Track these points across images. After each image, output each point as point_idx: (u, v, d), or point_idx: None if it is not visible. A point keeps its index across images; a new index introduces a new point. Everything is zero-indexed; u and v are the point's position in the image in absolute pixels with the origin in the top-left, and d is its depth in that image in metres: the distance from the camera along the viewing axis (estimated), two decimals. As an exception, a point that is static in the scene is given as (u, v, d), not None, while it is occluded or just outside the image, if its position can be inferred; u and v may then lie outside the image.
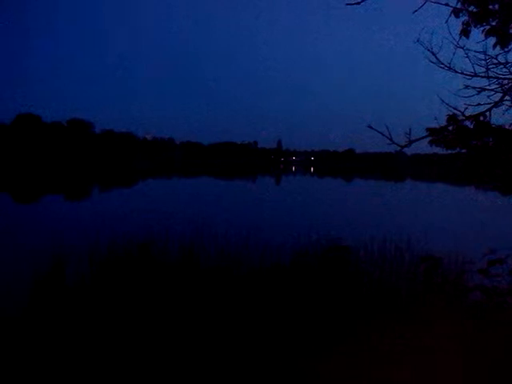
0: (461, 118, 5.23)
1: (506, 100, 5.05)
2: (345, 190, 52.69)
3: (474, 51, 4.91)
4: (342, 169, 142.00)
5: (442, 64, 5.07)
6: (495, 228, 16.93)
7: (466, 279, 8.48)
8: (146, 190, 41.33)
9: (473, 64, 4.95)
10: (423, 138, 5.38)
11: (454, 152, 5.75)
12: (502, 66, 4.99)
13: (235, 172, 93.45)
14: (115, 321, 6.45)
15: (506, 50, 4.75)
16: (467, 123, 5.29)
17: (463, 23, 4.81)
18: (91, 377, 4.97)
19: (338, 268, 8.58)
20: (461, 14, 4.80)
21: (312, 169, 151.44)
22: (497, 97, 5.06)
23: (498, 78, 5.01)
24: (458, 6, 4.80)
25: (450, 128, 5.42)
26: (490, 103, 5.05)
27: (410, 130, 5.03)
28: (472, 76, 4.98)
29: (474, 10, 4.76)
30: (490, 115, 5.10)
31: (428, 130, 5.51)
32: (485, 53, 4.88)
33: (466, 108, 5.03)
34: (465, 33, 4.81)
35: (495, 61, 4.93)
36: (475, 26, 4.77)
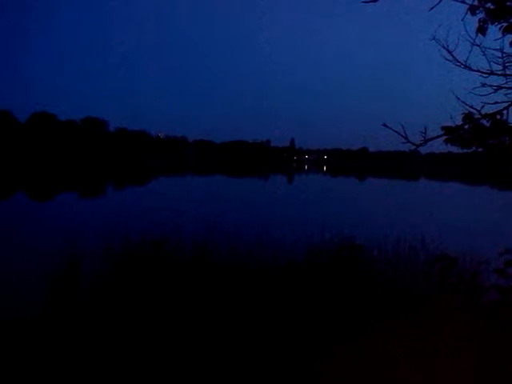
0: (477, 116, 5.17)
1: (524, 98, 4.98)
2: (358, 188, 52.43)
3: (491, 49, 4.85)
4: (356, 167, 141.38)
5: (459, 62, 5.01)
6: (511, 227, 16.73)
7: (482, 279, 8.40)
8: (159, 188, 41.59)
9: (489, 62, 4.88)
10: (439, 136, 5.32)
11: (469, 151, 5.68)
12: (519, 64, 4.92)
13: (248, 170, 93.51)
14: (130, 318, 6.52)
15: (524, 47, 4.68)
16: (483, 122, 5.23)
17: (480, 20, 4.75)
18: (107, 374, 5.03)
19: (351, 267, 8.54)
20: (477, 12, 4.74)
21: (325, 167, 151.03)
22: (514, 95, 5.00)
23: (515, 76, 4.94)
24: (475, 3, 4.74)
25: (466, 127, 5.36)
26: (507, 102, 4.98)
27: (425, 128, 4.98)
28: (489, 74, 4.92)
29: (491, 7, 4.70)
30: (508, 114, 5.03)
31: (443, 128, 5.45)
32: (502, 50, 4.81)
33: (483, 106, 4.96)
34: (481, 30, 4.75)
35: (513, 58, 4.87)
36: (492, 24, 4.71)
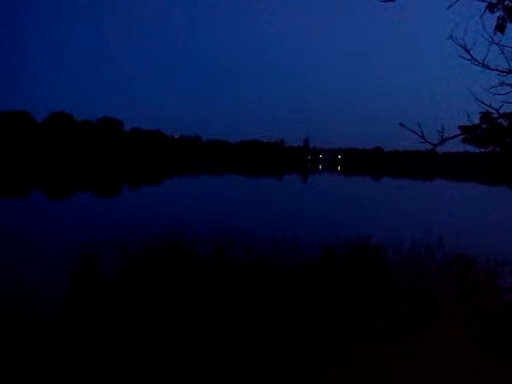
0: (495, 115, 5.12)
1: (544, 97, 4.92)
2: (373, 188, 52.09)
3: (510, 47, 4.79)
4: (370, 167, 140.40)
5: (476, 61, 4.97)
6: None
7: (500, 280, 8.31)
8: (174, 188, 41.79)
9: (508, 61, 4.84)
10: (456, 136, 5.29)
11: (486, 151, 5.64)
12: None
13: (262, 170, 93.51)
14: (146, 316, 6.58)
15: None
16: (501, 121, 5.18)
17: (498, 18, 4.71)
18: (124, 367, 5.09)
19: (366, 267, 8.51)
20: (496, 9, 4.70)
21: (339, 167, 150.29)
22: (534, 94, 4.94)
23: (535, 75, 4.88)
24: (494, 1, 4.70)
25: (484, 126, 5.31)
26: (527, 101, 4.93)
27: (442, 127, 4.96)
28: (507, 73, 4.87)
29: (510, 4, 4.65)
30: (527, 113, 4.98)
31: (460, 128, 5.42)
32: (521, 49, 4.76)
33: (502, 105, 4.92)
34: (500, 28, 4.70)
35: (532, 57, 4.81)
36: (511, 22, 4.66)
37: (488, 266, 9.04)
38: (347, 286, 7.85)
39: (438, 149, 5.60)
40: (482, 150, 5.64)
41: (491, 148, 5.58)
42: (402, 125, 4.94)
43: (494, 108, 4.92)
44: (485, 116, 5.24)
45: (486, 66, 5.00)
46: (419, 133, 4.89)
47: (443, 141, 5.00)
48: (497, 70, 4.99)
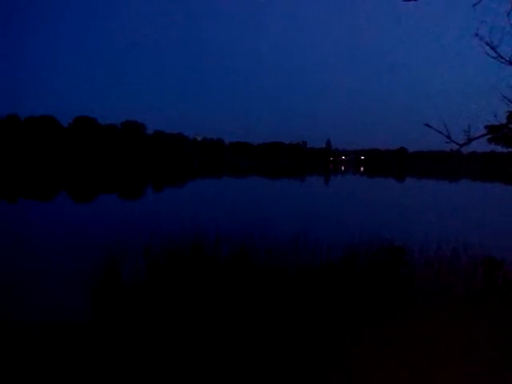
0: (523, 114, 5.00)
1: None
2: (396, 190, 51.43)
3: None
4: (394, 168, 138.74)
5: (503, 59, 4.87)
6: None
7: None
8: (197, 190, 42.07)
9: (537, 58, 4.72)
10: (483, 135, 5.18)
11: (513, 150, 5.50)
12: None
13: (284, 172, 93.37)
14: (170, 317, 6.64)
15: None
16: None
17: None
18: (148, 367, 5.14)
19: (391, 269, 8.40)
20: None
21: (362, 168, 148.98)
22: None
23: None
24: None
25: (511, 125, 5.19)
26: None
27: (469, 127, 4.85)
28: (536, 70, 4.75)
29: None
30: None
31: (487, 127, 5.31)
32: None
33: (530, 104, 4.80)
34: (528, 25, 4.60)
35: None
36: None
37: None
38: (371, 288, 7.76)
39: (464, 148, 5.50)
40: (510, 149, 5.51)
41: (519, 148, 5.44)
42: (427, 125, 4.86)
43: (522, 107, 4.80)
44: (512, 115, 5.12)
45: (513, 64, 4.89)
46: (445, 133, 4.80)
47: (470, 141, 4.90)
48: (525, 67, 4.86)
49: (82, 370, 5.11)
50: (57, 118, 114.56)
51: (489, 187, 56.86)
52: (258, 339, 5.89)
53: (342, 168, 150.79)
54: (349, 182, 65.89)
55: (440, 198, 37.18)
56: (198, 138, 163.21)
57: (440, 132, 4.78)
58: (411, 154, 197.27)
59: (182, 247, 9.65)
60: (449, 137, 4.83)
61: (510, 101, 4.91)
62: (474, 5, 4.55)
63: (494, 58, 5.00)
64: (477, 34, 4.97)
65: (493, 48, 4.96)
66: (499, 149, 5.67)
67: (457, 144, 4.92)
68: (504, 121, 5.28)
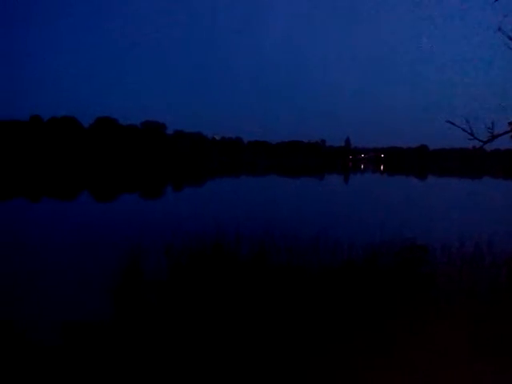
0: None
1: None
2: (418, 188, 50.78)
3: None
4: (415, 166, 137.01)
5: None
6: None
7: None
8: (216, 189, 42.25)
9: None
10: (506, 132, 5.09)
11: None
12: None
13: (303, 170, 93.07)
14: (191, 315, 6.69)
15: None
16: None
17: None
18: (169, 365, 5.20)
19: (413, 268, 8.32)
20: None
21: (382, 166, 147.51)
22: None
23: None
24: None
25: (537, 121, 5.09)
26: None
27: (492, 123, 4.78)
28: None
29: None
30: None
31: (511, 124, 5.21)
32: None
33: (556, 99, 4.69)
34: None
35: None
36: None
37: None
38: (393, 287, 7.70)
39: (487, 146, 5.41)
40: (535, 146, 5.40)
41: (545, 144, 5.33)
42: (449, 122, 4.79)
43: (547, 103, 4.70)
44: (538, 111, 5.01)
45: (538, 59, 4.79)
46: (468, 130, 4.73)
47: (493, 138, 4.82)
48: (550, 62, 4.76)
49: (103, 369, 5.19)
50: (78, 119, 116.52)
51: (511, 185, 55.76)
52: (280, 338, 5.90)
53: (362, 166, 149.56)
54: (369, 181, 65.33)
55: (463, 195, 36.60)
56: (217, 138, 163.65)
57: (463, 129, 4.72)
58: (432, 152, 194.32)
59: (203, 246, 9.72)
60: (472, 134, 4.76)
61: (535, 96, 4.81)
62: (496, 0, 4.47)
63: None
64: (499, 29, 4.89)
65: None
66: (524, 146, 5.57)
67: (480, 141, 4.84)
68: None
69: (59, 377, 4.98)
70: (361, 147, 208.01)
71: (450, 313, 6.74)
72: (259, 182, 56.35)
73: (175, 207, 24.23)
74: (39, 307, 7.51)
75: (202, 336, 5.96)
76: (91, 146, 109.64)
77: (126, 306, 7.50)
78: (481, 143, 4.91)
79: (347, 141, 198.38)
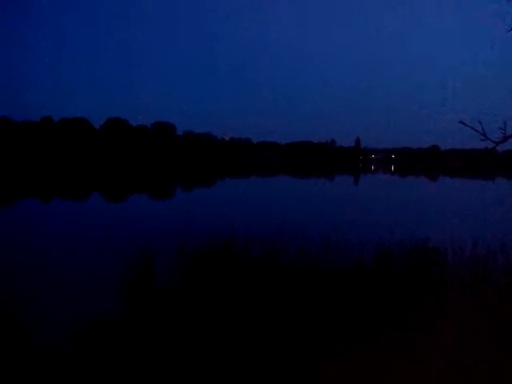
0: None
1: None
2: (429, 189, 50.41)
3: None
4: (426, 167, 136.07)
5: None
6: None
7: None
8: (226, 189, 42.32)
9: None
10: (520, 133, 5.03)
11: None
12: None
13: (313, 171, 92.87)
14: (202, 315, 6.71)
15: None
16: None
17: None
18: (183, 366, 5.21)
19: (424, 270, 8.26)
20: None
21: (392, 167, 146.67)
22: None
23: None
24: None
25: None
26: None
27: (505, 124, 4.71)
28: None
29: None
30: None
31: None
32: None
33: None
34: None
35: None
36: None
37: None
38: (404, 289, 7.65)
39: (499, 146, 5.35)
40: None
41: (559, 145, 5.27)
42: (462, 122, 4.75)
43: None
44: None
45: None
46: (480, 130, 4.68)
47: (506, 138, 4.76)
48: None
49: (114, 369, 5.22)
50: (89, 120, 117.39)
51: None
52: (289, 338, 5.89)
53: (372, 167, 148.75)
54: (379, 182, 64.99)
55: (475, 196, 36.27)
56: (226, 138, 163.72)
57: (475, 130, 4.66)
58: (444, 152, 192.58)
59: (213, 246, 9.74)
60: (484, 134, 4.71)
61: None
62: (509, 0, 4.42)
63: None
64: (511, 29, 4.83)
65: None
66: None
67: (492, 142, 4.78)
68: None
69: (71, 375, 5.03)
70: (371, 148, 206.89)
71: (461, 314, 6.69)
72: (268, 182, 56.33)
73: (185, 207, 24.29)
74: (51, 306, 7.57)
75: (212, 335, 5.97)
76: (102, 146, 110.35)
77: (138, 305, 7.54)
78: (493, 144, 4.85)
79: (357, 141, 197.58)
